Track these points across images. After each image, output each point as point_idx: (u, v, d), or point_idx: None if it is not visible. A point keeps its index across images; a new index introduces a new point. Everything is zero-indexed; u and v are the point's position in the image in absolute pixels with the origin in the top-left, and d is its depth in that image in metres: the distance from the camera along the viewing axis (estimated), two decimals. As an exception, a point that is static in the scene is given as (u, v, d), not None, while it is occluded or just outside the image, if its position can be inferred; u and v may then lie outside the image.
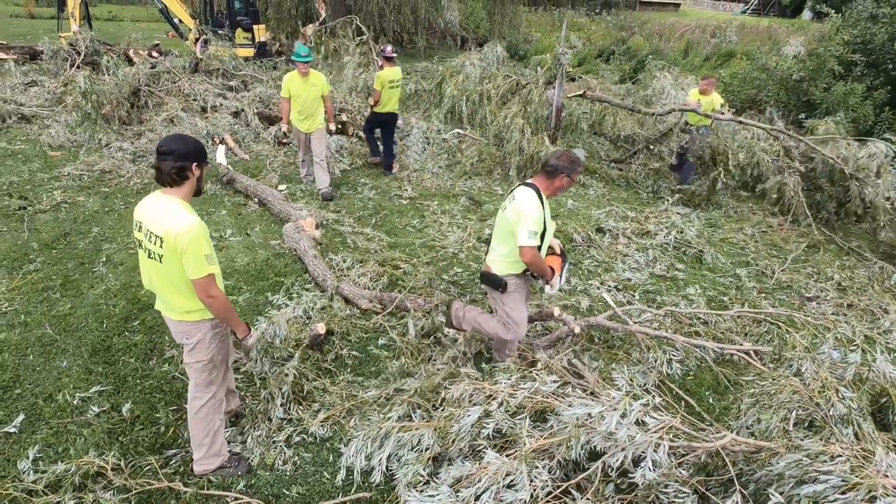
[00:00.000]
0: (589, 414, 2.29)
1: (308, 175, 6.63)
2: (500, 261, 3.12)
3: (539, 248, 2.96)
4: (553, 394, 2.52)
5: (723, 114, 7.05)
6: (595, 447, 2.22)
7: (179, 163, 2.18)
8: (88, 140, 7.29)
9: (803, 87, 8.64)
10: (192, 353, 2.44)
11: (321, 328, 3.51)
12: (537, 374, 2.69)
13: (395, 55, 7.02)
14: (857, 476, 1.96)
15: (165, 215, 2.18)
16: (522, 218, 2.85)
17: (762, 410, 2.80)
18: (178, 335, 2.47)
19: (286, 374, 3.17)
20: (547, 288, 3.17)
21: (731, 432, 2.39)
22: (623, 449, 2.13)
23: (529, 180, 3.03)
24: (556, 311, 3.57)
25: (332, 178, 6.94)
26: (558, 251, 3.27)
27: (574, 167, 2.96)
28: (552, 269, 3.12)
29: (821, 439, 2.27)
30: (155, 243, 2.20)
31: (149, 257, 2.27)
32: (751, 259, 5.61)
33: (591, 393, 2.65)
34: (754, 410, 2.91)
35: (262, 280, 4.43)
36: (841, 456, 2.04)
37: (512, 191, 3.06)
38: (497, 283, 3.11)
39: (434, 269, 4.81)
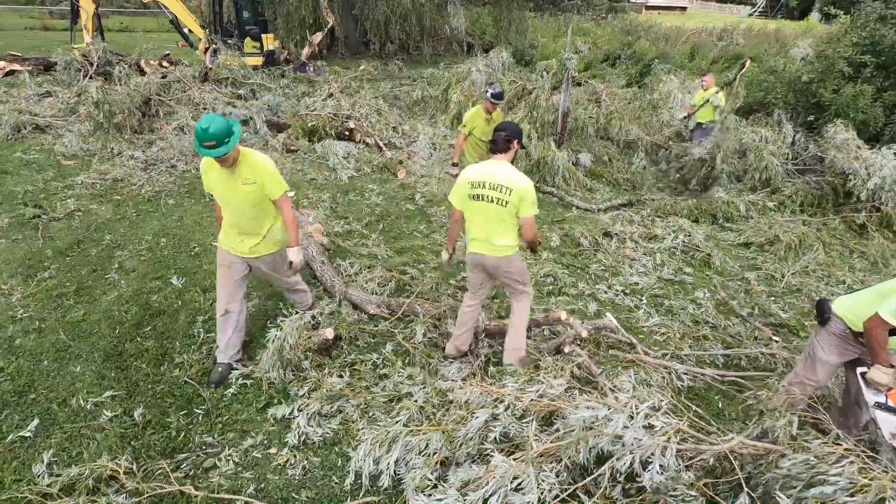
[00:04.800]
0: (596, 417, 2.29)
1: (231, 348, 3.37)
2: (852, 307, 2.65)
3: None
4: (560, 396, 2.53)
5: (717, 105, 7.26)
6: (603, 450, 2.23)
7: (512, 138, 3.11)
8: (101, 149, 7.40)
9: (812, 88, 8.58)
10: (521, 276, 3.26)
11: (329, 333, 3.54)
12: (544, 378, 2.70)
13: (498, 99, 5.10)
14: (864, 477, 1.95)
15: (510, 173, 3.03)
16: None
17: (771, 414, 2.78)
18: (498, 268, 3.19)
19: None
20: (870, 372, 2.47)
21: (740, 435, 2.38)
22: (631, 452, 2.14)
23: None
24: (563, 315, 3.57)
25: (340, 184, 6.96)
26: None
27: None
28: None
29: (829, 442, 2.26)
30: (503, 192, 2.98)
31: (494, 203, 3.03)
32: (760, 262, 5.57)
33: (602, 392, 2.65)
34: (765, 415, 2.89)
35: (270, 286, 4.47)
36: (847, 457, 2.03)
37: None
38: (822, 312, 2.74)
39: (441, 273, 4.83)
